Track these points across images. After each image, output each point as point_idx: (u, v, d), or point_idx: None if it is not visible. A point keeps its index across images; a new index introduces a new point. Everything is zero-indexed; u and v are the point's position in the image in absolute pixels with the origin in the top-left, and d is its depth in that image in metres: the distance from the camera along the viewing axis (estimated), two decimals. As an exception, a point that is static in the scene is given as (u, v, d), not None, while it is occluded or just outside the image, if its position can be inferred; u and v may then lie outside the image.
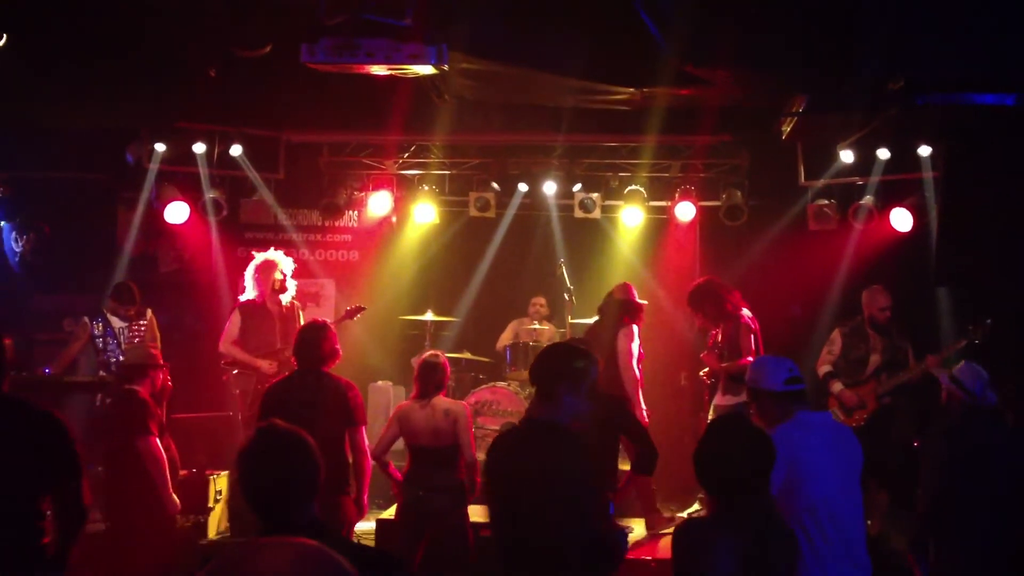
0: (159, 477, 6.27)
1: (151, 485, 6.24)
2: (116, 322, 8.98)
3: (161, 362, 6.65)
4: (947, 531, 5.34)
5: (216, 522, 7.97)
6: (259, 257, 8.80)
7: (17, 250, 10.77)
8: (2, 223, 10.72)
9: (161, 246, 11.12)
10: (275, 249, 9.02)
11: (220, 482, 8.03)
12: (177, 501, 6.40)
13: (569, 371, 3.95)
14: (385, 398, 10.53)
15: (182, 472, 7.11)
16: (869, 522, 7.93)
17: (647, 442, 6.19)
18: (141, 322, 9.10)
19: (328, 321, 6.66)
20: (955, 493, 5.31)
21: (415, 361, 6.99)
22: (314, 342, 6.27)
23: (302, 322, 8.53)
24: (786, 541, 3.54)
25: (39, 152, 9.78)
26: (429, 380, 6.46)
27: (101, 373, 8.83)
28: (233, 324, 8.52)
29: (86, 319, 9.01)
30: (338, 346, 6.37)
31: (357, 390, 6.30)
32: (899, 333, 8.36)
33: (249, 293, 8.66)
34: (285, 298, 8.73)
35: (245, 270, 8.79)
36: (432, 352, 6.72)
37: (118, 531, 6.42)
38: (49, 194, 10.55)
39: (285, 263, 8.77)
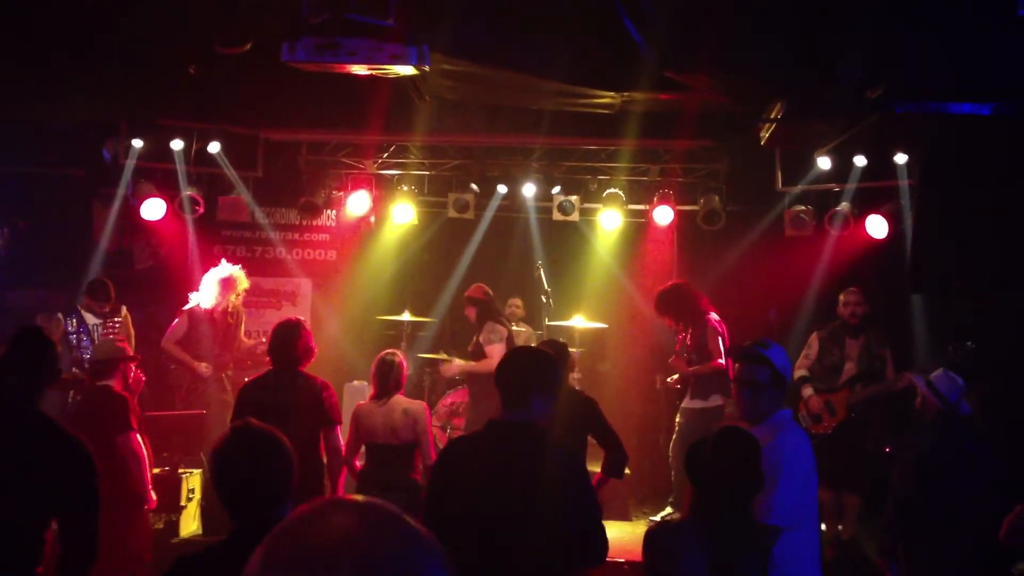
0: (140, 472, 6.24)
1: (128, 481, 6.21)
2: (90, 319, 8.93)
3: (131, 354, 6.61)
4: (917, 537, 5.39)
5: (188, 521, 7.92)
6: (224, 269, 9.01)
7: (-9, 245, 10.68)
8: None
9: (137, 243, 11.05)
10: (230, 258, 9.42)
11: (193, 480, 7.98)
12: (154, 497, 6.39)
13: (542, 377, 3.91)
14: (361, 398, 10.42)
15: (155, 470, 7.07)
16: (840, 526, 8.01)
17: (616, 444, 6.18)
18: (116, 319, 9.05)
19: (303, 319, 6.63)
20: (926, 500, 5.36)
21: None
22: (289, 341, 6.22)
23: (243, 327, 9.18)
24: (758, 551, 3.55)
25: (15, 146, 9.70)
26: (387, 379, 6.48)
27: (74, 370, 8.75)
28: (179, 327, 8.83)
29: (60, 315, 8.95)
30: (313, 345, 6.33)
31: (332, 390, 6.28)
32: (878, 342, 8.39)
33: (203, 300, 8.90)
34: (230, 307, 9.05)
35: (205, 274, 9.03)
36: (389, 351, 6.73)
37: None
38: (24, 189, 10.46)
39: (244, 282, 9.08)
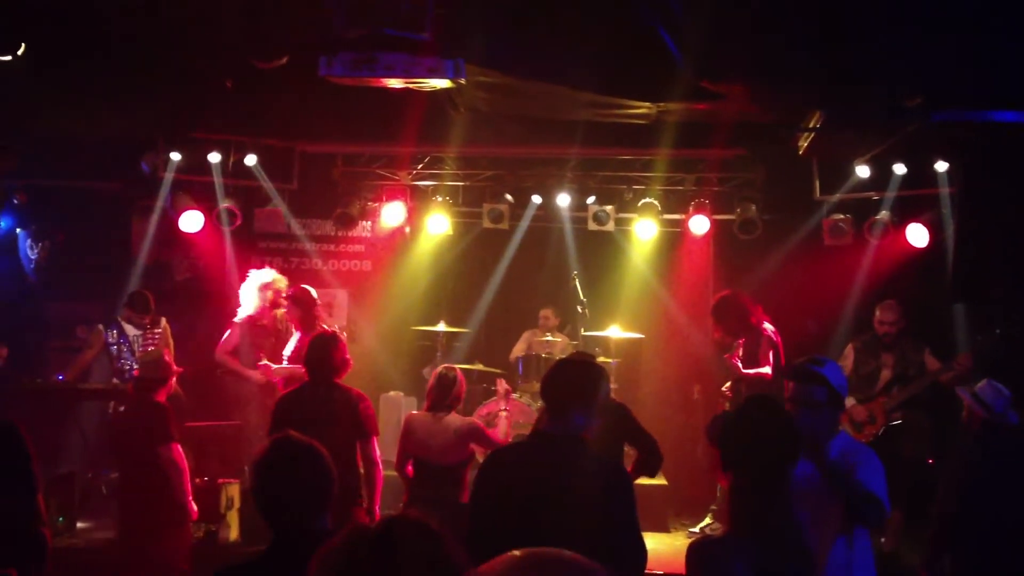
0: (181, 484, 6.31)
1: (171, 491, 6.27)
2: (130, 330, 9.03)
3: (175, 367, 6.71)
4: (964, 550, 5.30)
5: (228, 530, 7.96)
6: (256, 276, 9.03)
7: (32, 257, 10.82)
8: (18, 230, 10.78)
9: (175, 255, 11.15)
10: (270, 267, 9.32)
11: (232, 491, 8.03)
12: (195, 508, 6.45)
13: (582, 391, 3.91)
14: (397, 409, 10.50)
15: (195, 480, 7.13)
16: (883, 539, 7.90)
17: (653, 447, 6.15)
18: (156, 330, 9.15)
19: (338, 332, 6.65)
20: (973, 512, 5.27)
21: (429, 372, 6.96)
22: (325, 353, 6.26)
23: (295, 334, 8.89)
24: (803, 562, 3.46)
25: (55, 160, 9.84)
26: (445, 395, 6.35)
27: (115, 381, 8.86)
28: (231, 338, 8.86)
29: (100, 327, 9.07)
30: (349, 356, 6.36)
31: (368, 401, 6.30)
32: (913, 347, 8.32)
33: (247, 309, 8.92)
34: (279, 312, 8.99)
35: (242, 286, 9.05)
36: (447, 366, 6.61)
37: (133, 537, 6.45)
38: (65, 202, 10.60)
39: (281, 281, 9.05)
